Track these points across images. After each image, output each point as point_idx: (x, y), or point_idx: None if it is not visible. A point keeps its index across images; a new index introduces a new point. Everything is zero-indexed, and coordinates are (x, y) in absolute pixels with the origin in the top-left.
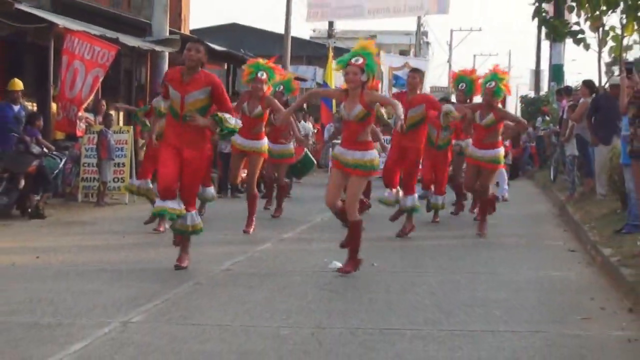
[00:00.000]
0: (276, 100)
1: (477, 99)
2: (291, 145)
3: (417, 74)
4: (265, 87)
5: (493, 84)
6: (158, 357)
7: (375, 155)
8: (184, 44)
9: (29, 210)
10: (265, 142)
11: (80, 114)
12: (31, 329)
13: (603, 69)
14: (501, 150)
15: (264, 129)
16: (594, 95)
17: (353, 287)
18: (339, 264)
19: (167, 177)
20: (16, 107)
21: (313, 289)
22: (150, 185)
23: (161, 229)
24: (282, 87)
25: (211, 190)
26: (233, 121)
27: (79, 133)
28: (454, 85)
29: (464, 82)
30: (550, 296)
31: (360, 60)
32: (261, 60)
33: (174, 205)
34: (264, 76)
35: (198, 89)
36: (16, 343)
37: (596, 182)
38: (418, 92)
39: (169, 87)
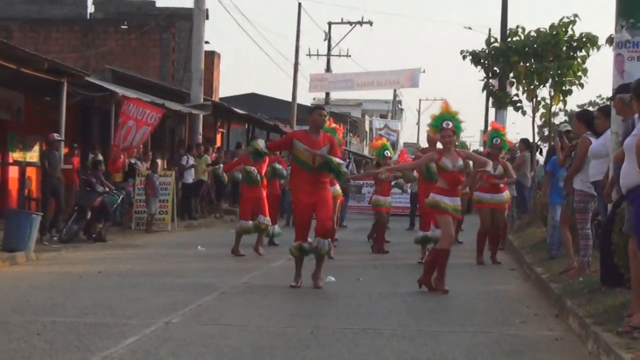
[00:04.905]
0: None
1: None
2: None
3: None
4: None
5: (499, 140)
6: (192, 350)
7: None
8: (214, 108)
9: (94, 235)
10: (336, 187)
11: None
12: (93, 328)
13: (536, 130)
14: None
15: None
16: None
17: (343, 296)
18: (333, 279)
19: (304, 222)
20: None
21: (312, 297)
22: (251, 223)
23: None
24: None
25: (276, 226)
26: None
27: (117, 167)
28: (488, 138)
29: (498, 137)
30: (495, 304)
31: (451, 124)
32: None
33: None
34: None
35: (323, 145)
36: (82, 338)
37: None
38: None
39: (298, 143)
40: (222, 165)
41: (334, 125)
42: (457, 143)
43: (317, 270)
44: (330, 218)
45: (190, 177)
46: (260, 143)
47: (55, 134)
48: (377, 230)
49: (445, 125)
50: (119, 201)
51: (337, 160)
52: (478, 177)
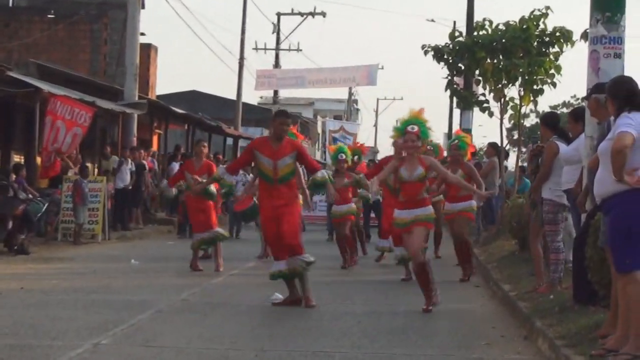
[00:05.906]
0: None
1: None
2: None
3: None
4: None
5: (456, 140)
6: None
7: (432, 210)
8: (150, 107)
9: (15, 247)
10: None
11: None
12: (14, 350)
13: (504, 133)
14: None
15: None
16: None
17: (291, 315)
18: (280, 296)
19: (273, 238)
20: None
21: (257, 316)
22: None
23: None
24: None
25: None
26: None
27: (55, 171)
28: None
29: (456, 139)
30: (458, 324)
31: (416, 128)
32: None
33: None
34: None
35: (287, 153)
36: None
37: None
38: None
39: (258, 154)
40: (165, 181)
41: (294, 131)
42: (429, 147)
43: (305, 290)
44: (296, 232)
45: (122, 183)
46: (226, 177)
47: None
48: (338, 244)
49: (410, 129)
50: (43, 209)
51: (320, 175)
52: (442, 188)
